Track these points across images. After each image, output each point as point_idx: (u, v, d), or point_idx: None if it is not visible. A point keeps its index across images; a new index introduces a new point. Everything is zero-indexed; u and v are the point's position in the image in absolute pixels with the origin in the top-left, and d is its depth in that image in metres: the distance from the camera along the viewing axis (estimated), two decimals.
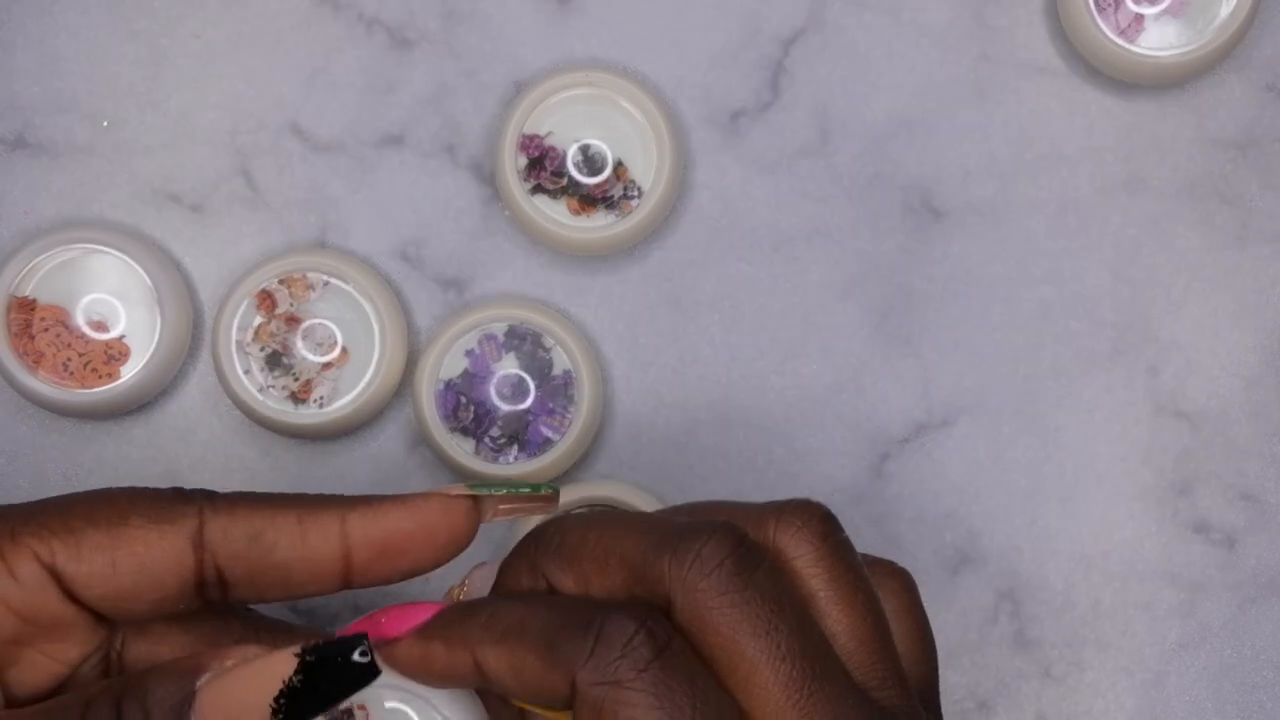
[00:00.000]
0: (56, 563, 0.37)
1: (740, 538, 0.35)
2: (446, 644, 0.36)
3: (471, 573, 0.39)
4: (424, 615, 0.36)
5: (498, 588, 0.38)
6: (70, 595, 0.38)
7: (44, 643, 0.39)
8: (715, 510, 0.37)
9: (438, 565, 0.39)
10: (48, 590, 0.37)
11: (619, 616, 0.34)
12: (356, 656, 0.35)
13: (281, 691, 0.35)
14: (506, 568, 0.37)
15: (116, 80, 0.56)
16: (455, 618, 0.36)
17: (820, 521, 0.36)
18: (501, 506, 0.39)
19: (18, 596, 0.37)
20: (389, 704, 0.38)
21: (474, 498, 0.39)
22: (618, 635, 0.34)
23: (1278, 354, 0.56)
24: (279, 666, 0.35)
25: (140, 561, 0.37)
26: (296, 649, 0.35)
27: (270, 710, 0.35)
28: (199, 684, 0.35)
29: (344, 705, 0.38)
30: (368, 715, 0.39)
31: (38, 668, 0.39)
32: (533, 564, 0.37)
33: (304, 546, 0.38)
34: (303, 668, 0.35)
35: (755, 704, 0.34)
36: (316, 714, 0.35)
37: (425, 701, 0.38)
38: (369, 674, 0.35)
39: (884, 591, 0.38)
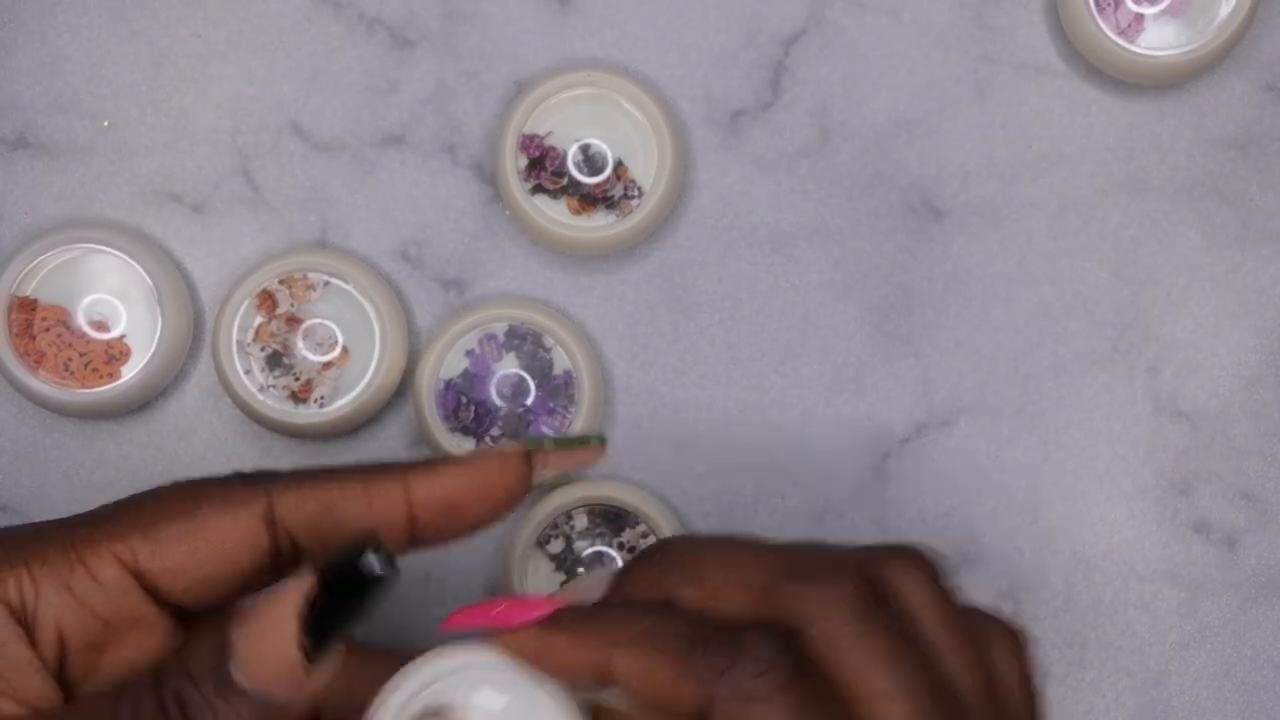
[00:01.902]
0: (139, 561, 0.38)
1: (869, 575, 0.35)
2: (575, 638, 0.35)
3: (578, 581, 0.39)
4: (545, 609, 0.36)
5: (617, 594, 0.37)
6: (152, 593, 0.38)
7: (120, 651, 0.39)
8: (824, 549, 0.37)
9: (494, 522, 0.40)
10: (130, 592, 0.38)
11: (761, 634, 0.34)
12: (371, 559, 0.35)
13: (308, 609, 0.35)
14: (628, 574, 0.37)
15: (117, 80, 0.56)
16: (584, 614, 0.36)
17: (932, 565, 0.36)
18: (552, 458, 0.40)
19: (101, 600, 0.38)
20: (484, 693, 0.37)
21: (527, 453, 0.40)
22: (759, 652, 0.34)
23: (1278, 354, 0.56)
24: (301, 589, 0.35)
25: (218, 548, 0.38)
26: (313, 569, 0.35)
27: (300, 631, 0.35)
28: (231, 633, 0.36)
29: (434, 697, 0.37)
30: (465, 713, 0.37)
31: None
32: (658, 576, 0.36)
33: (372, 513, 0.39)
34: (323, 582, 0.35)
35: None
36: (345, 624, 0.36)
37: (528, 696, 0.37)
38: (387, 576, 0.35)
39: (997, 650, 0.37)
